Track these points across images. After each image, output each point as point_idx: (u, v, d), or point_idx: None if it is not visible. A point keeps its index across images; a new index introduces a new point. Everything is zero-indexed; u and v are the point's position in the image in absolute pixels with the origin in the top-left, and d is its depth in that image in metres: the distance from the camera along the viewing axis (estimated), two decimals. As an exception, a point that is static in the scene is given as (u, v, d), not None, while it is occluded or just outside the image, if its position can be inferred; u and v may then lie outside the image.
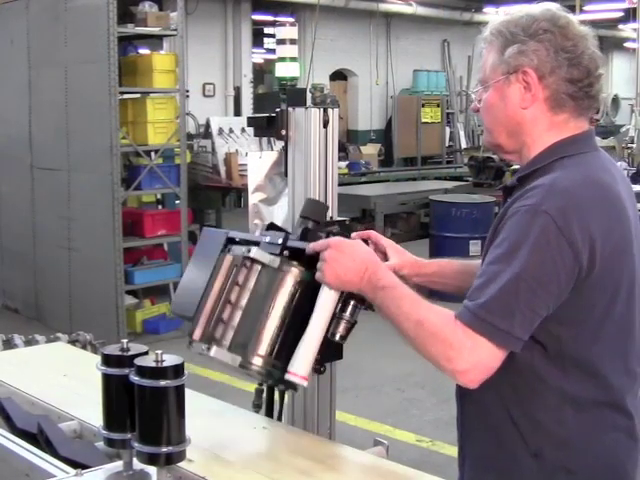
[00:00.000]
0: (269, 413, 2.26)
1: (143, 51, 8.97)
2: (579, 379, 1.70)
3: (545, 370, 1.70)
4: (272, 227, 2.03)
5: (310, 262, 1.86)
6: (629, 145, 11.71)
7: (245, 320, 1.84)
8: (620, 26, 18.66)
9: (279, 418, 2.26)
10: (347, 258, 1.81)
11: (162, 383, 1.66)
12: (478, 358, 1.63)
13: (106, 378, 1.78)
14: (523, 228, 1.63)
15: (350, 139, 17.43)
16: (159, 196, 8.31)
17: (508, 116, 1.78)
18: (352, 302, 1.87)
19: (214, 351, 1.83)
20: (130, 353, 1.76)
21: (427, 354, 1.68)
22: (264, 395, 2.32)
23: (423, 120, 16.91)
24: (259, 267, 1.86)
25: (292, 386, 1.91)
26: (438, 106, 17.28)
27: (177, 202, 7.78)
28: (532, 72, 1.73)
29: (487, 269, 1.67)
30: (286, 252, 1.90)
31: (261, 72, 18.39)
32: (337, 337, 1.87)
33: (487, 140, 1.87)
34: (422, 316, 1.70)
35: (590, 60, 1.74)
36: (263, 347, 1.84)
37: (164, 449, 1.68)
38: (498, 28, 1.79)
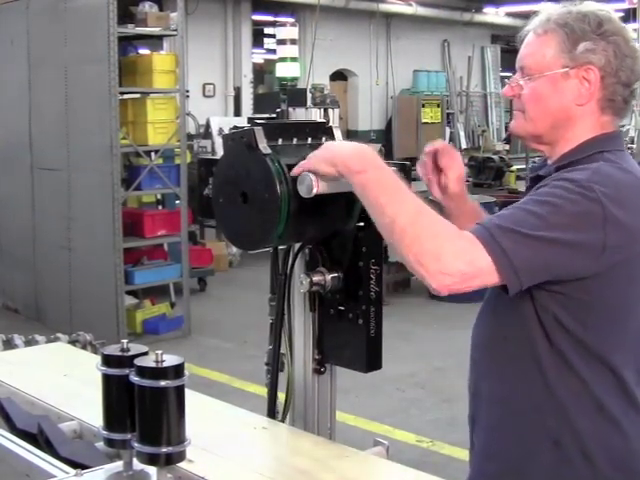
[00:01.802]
0: (271, 414, 2.26)
1: (143, 51, 8.98)
2: (597, 369, 1.72)
3: (569, 356, 1.71)
4: None
5: None
6: (629, 145, 11.71)
7: None
8: (620, 26, 18.66)
9: (282, 419, 2.26)
10: (341, 143, 1.84)
11: (162, 383, 1.66)
12: (470, 267, 1.59)
13: (106, 378, 1.77)
14: (569, 192, 1.63)
15: (350, 139, 17.41)
16: (159, 196, 8.31)
17: (560, 109, 1.78)
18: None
19: None
20: (130, 353, 1.76)
21: (414, 247, 1.60)
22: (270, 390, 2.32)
23: (423, 120, 16.90)
24: None
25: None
26: (438, 106, 17.28)
27: (177, 202, 7.78)
28: (597, 71, 1.74)
29: (519, 205, 1.67)
30: None
31: (261, 72, 18.39)
32: None
33: (525, 128, 1.84)
34: (425, 208, 1.65)
35: None
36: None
37: (164, 449, 1.68)
38: (564, 20, 1.77)
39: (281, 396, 2.24)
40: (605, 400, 1.73)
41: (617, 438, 1.75)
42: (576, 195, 1.63)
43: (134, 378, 1.68)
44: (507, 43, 20.38)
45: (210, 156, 9.78)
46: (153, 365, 1.68)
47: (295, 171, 1.86)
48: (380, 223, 1.67)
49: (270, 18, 16.80)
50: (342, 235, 2.05)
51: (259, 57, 18.92)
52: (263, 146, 1.90)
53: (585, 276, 1.66)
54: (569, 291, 1.68)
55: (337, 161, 1.75)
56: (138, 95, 7.41)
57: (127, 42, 7.59)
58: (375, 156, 1.74)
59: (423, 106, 16.95)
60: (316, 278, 2.05)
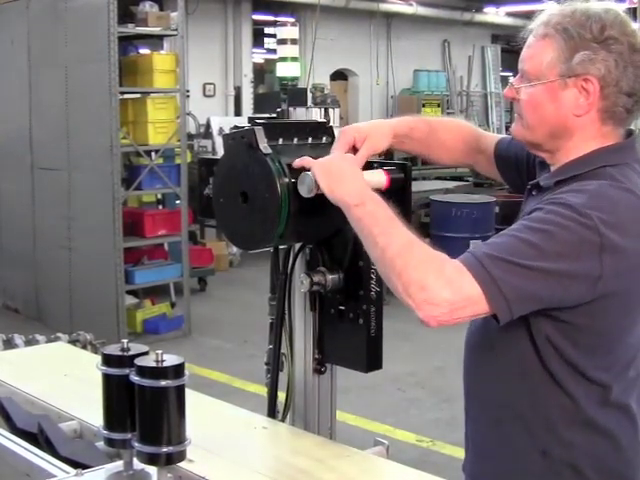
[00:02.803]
0: (271, 414, 2.26)
1: (143, 51, 8.97)
2: (587, 387, 1.69)
3: (559, 373, 1.68)
4: None
5: None
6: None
7: None
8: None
9: (283, 419, 2.26)
10: (347, 165, 1.79)
11: (162, 383, 1.66)
12: (457, 295, 1.53)
13: (106, 378, 1.77)
14: (564, 218, 1.57)
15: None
16: (159, 196, 8.32)
17: (557, 119, 1.70)
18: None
19: None
20: (130, 353, 1.76)
21: (403, 277, 1.57)
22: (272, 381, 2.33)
23: (423, 120, 16.87)
24: None
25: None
26: (439, 106, 17.25)
27: (177, 202, 7.78)
28: (595, 82, 1.65)
29: (510, 232, 1.61)
30: None
31: (261, 72, 18.38)
32: None
33: (524, 135, 1.78)
34: (416, 240, 1.61)
35: None
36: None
37: (164, 449, 1.68)
38: (563, 25, 1.67)
39: (281, 396, 2.25)
40: (595, 415, 1.70)
41: (608, 450, 1.72)
42: (571, 222, 1.56)
43: (134, 378, 1.68)
44: (507, 43, 20.36)
45: (210, 156, 9.78)
46: (153, 365, 1.67)
47: (296, 163, 1.86)
48: (373, 255, 1.67)
49: (270, 18, 16.79)
50: (342, 235, 2.05)
51: (259, 57, 18.91)
52: (264, 146, 1.90)
53: (579, 303, 1.61)
54: (563, 316, 1.64)
55: (336, 191, 1.74)
56: (138, 95, 7.41)
57: (127, 42, 7.59)
58: (372, 192, 1.74)
59: (423, 106, 16.93)
60: (316, 278, 2.05)
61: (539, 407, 1.71)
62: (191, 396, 1.79)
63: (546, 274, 1.55)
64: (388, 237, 1.63)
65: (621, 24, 1.67)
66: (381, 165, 2.00)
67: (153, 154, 7.32)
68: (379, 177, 1.93)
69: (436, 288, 1.54)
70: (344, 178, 1.76)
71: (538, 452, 1.72)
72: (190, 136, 10.29)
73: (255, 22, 16.09)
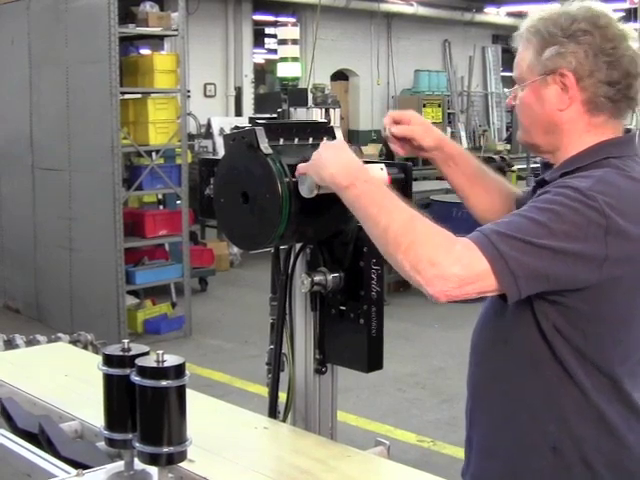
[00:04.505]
0: (272, 414, 2.27)
1: (144, 51, 8.98)
2: (596, 379, 1.71)
3: (570, 365, 1.69)
4: None
5: None
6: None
7: None
8: (621, 26, 18.61)
9: (284, 419, 2.26)
10: (330, 150, 1.80)
11: (163, 383, 1.67)
12: (467, 271, 1.56)
13: (107, 378, 1.78)
14: (570, 199, 1.60)
15: (351, 139, 17.42)
16: (160, 196, 8.32)
17: (545, 117, 1.76)
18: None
19: None
20: (131, 353, 1.76)
21: (410, 254, 1.57)
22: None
23: (424, 120, 16.89)
24: None
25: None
26: (439, 106, 17.27)
27: (178, 202, 7.78)
28: (570, 74, 1.71)
29: (519, 212, 1.64)
30: None
31: (262, 72, 18.40)
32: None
33: (523, 139, 1.84)
34: (417, 215, 1.62)
35: (630, 62, 1.71)
36: None
37: (165, 449, 1.68)
38: (536, 27, 1.75)
39: (282, 396, 2.25)
40: (605, 409, 1.71)
41: (618, 446, 1.73)
42: (578, 203, 1.59)
43: (135, 378, 1.68)
44: (508, 43, 20.37)
45: (211, 156, 9.77)
46: (154, 365, 1.68)
47: (299, 171, 1.88)
48: (374, 235, 1.66)
49: (271, 18, 16.81)
50: (343, 235, 2.05)
51: (260, 57, 18.93)
52: (264, 146, 1.90)
53: (585, 286, 1.63)
54: (569, 301, 1.65)
55: (325, 176, 1.77)
56: (139, 95, 7.41)
57: (128, 42, 7.61)
58: (361, 168, 1.75)
59: (424, 106, 16.94)
60: (317, 278, 2.05)
61: (551, 400, 1.72)
62: (192, 396, 1.79)
63: (553, 252, 1.57)
64: (388, 215, 1.63)
65: (593, 17, 1.72)
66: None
67: (154, 154, 7.32)
68: (380, 173, 1.93)
69: (447, 263, 1.55)
70: (327, 163, 1.77)
71: (549, 448, 1.73)
72: (191, 136, 10.29)
73: (256, 22, 16.11)
